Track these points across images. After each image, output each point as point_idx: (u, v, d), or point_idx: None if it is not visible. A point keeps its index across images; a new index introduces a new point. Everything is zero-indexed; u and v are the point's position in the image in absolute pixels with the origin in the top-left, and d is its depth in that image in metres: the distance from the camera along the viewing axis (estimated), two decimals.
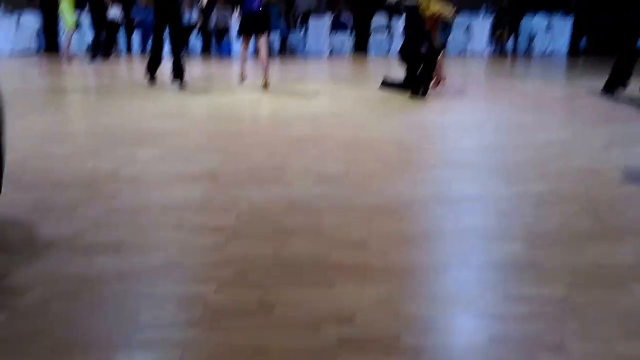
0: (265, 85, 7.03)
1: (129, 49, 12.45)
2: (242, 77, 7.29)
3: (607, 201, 3.04)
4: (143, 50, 12.29)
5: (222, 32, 12.56)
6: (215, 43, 12.73)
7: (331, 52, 12.96)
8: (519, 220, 2.77)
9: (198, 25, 12.49)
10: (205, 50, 12.71)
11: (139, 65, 10.23)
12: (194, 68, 10.08)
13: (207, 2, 12.24)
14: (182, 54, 7.14)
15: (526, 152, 4.11)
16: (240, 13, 7.18)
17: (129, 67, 10.37)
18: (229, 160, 3.79)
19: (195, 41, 12.62)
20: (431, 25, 6.47)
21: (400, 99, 6.46)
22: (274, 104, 6.21)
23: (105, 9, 10.87)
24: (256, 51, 7.34)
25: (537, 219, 2.76)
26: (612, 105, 6.20)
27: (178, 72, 7.04)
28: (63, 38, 10.54)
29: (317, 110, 5.82)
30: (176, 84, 7.04)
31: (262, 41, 7.08)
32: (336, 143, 4.35)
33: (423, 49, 6.42)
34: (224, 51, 12.56)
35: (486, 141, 4.51)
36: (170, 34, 7.07)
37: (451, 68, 10.25)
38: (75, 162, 3.61)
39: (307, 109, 5.86)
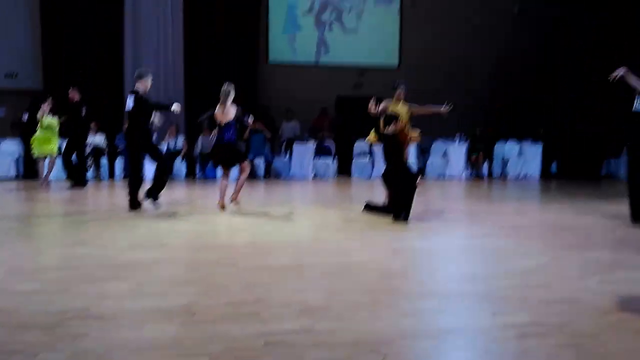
0: (235, 202, 7.27)
1: (111, 175, 12.58)
2: (222, 207, 7.29)
3: (591, 333, 2.96)
4: (125, 176, 12.44)
5: (207, 157, 12.84)
6: (200, 167, 12.97)
7: (315, 175, 13.24)
8: (504, 356, 2.69)
9: (183, 152, 12.80)
10: (190, 174, 12.90)
11: (120, 192, 10.30)
12: (177, 193, 10.15)
13: (194, 129, 12.67)
14: (164, 176, 7.33)
15: (507, 280, 4.06)
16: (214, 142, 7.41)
17: (110, 193, 10.40)
18: (205, 293, 3.67)
19: (180, 166, 12.83)
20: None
21: (384, 223, 6.49)
22: (256, 229, 6.17)
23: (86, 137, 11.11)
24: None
25: (522, 354, 2.68)
26: (585, 230, 6.28)
27: (153, 192, 7.18)
28: (42, 165, 10.50)
29: (300, 235, 5.80)
30: (150, 203, 7.15)
31: (242, 166, 7.38)
32: (318, 271, 4.27)
33: (403, 175, 6.60)
34: (209, 175, 12.76)
35: (468, 268, 4.47)
36: (152, 159, 7.34)
37: (431, 191, 10.49)
38: (42, 300, 3.45)
39: (289, 235, 5.83)
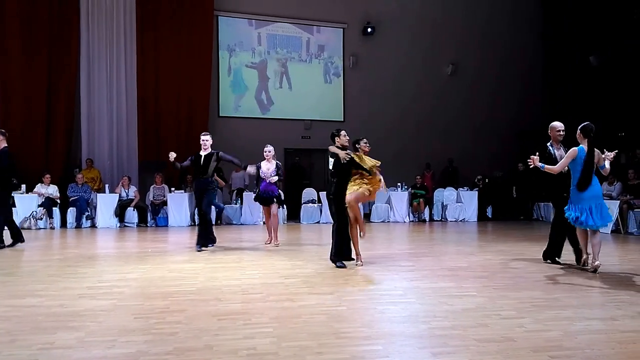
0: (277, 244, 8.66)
1: (63, 224, 12.18)
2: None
3: None
4: (77, 225, 12.09)
5: (159, 205, 12.67)
6: (151, 216, 12.74)
7: (264, 222, 13.16)
8: None
9: (135, 202, 12.58)
10: (141, 222, 12.64)
11: (72, 241, 9.93)
12: (128, 241, 9.85)
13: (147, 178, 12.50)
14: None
15: (447, 320, 4.10)
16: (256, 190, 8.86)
17: (62, 243, 9.98)
18: (154, 342, 3.53)
19: (132, 214, 12.56)
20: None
21: (330, 268, 6.47)
22: (206, 276, 6.02)
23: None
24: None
25: None
26: (518, 271, 6.44)
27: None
28: None
29: (248, 281, 5.68)
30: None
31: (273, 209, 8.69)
32: (267, 317, 4.18)
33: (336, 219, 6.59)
34: (160, 223, 12.59)
35: (410, 310, 4.48)
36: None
37: (376, 235, 10.56)
38: None
39: (238, 281, 5.70)
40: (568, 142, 6.45)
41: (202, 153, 8.16)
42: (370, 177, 6.61)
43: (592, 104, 15.55)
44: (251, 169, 8.56)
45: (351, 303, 4.72)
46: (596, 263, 6.17)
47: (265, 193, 8.55)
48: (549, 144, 6.76)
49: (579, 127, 6.21)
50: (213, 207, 12.68)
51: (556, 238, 6.82)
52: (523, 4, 17.55)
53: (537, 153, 6.49)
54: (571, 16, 16.53)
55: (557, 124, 6.76)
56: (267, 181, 8.53)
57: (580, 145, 6.13)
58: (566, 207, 6.28)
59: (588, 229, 6.23)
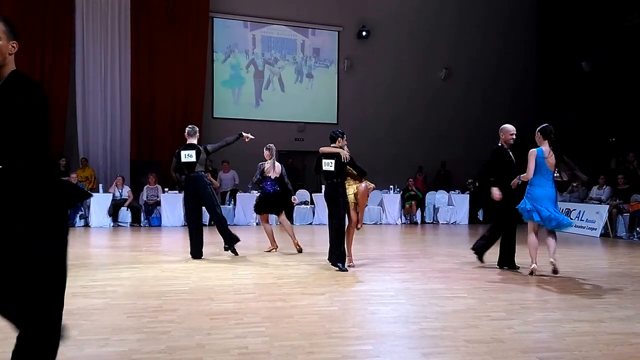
0: (299, 249, 8.02)
1: None
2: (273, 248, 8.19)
3: None
4: (71, 225, 12.03)
5: (153, 205, 12.64)
6: (145, 216, 12.71)
7: (258, 223, 13.15)
8: None
9: (128, 202, 12.54)
10: (135, 222, 12.60)
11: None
12: (122, 240, 9.82)
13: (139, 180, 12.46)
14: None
15: (438, 321, 4.12)
16: (259, 194, 8.32)
17: None
18: (147, 340, 3.53)
19: (125, 214, 12.53)
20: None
21: (322, 268, 6.47)
22: (199, 276, 6.02)
23: None
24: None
25: None
26: (508, 273, 6.48)
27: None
28: None
29: (242, 282, 5.69)
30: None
31: (282, 217, 8.17)
32: (259, 317, 4.19)
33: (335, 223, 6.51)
34: (154, 223, 12.55)
35: (401, 311, 4.51)
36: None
37: (368, 237, 10.58)
38: None
39: (232, 281, 5.71)
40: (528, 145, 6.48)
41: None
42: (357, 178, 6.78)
43: (583, 110, 15.66)
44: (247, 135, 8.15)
45: (343, 303, 4.74)
46: (533, 266, 6.22)
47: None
48: (500, 144, 6.90)
49: (538, 129, 6.31)
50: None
51: (506, 243, 6.85)
52: (517, 10, 17.65)
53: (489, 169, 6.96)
54: (565, 22, 16.64)
55: (510, 127, 6.87)
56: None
57: (540, 147, 6.21)
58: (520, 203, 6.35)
59: (545, 232, 6.30)
